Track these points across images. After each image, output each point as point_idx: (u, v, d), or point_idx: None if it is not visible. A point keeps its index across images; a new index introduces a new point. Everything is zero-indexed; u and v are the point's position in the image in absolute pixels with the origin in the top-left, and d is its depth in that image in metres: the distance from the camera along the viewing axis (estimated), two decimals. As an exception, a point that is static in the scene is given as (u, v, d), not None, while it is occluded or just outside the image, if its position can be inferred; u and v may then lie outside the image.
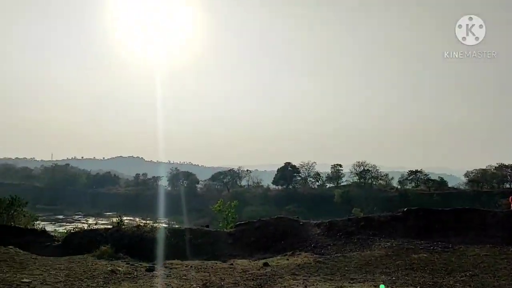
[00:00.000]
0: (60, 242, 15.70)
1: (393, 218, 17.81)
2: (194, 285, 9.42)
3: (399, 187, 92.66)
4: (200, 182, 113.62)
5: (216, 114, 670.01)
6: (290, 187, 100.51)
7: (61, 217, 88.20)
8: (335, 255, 13.98)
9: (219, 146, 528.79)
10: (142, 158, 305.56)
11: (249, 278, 10.53)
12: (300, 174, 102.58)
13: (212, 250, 15.51)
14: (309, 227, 17.81)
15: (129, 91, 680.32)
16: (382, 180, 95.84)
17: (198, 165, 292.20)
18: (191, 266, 12.06)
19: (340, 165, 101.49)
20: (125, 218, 25.06)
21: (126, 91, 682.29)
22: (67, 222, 72.29)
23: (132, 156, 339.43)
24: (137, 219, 48.88)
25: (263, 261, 13.15)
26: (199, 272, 11.24)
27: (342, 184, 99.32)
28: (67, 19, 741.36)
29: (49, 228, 31.57)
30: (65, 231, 19.27)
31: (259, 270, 11.64)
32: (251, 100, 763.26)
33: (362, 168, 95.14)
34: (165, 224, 23.85)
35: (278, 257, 14.09)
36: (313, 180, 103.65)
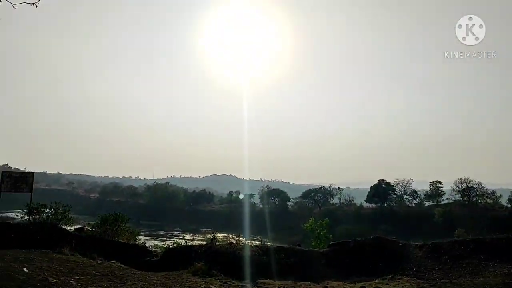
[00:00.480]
0: (158, 258, 16.37)
1: (508, 241, 15.77)
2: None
3: (509, 205, 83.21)
4: (291, 199, 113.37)
5: (305, 132, 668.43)
6: (385, 205, 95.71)
7: (161, 232, 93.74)
8: (442, 281, 12.65)
9: (309, 163, 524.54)
10: (234, 176, 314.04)
11: (345, 302, 9.88)
12: (395, 192, 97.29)
13: (304, 270, 15.01)
14: (409, 248, 16.50)
15: (220, 111, 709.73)
16: (489, 198, 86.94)
17: (289, 182, 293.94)
18: (284, 287, 11.71)
19: (440, 182, 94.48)
20: (219, 234, 25.66)
21: (217, 112, 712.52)
22: (166, 237, 76.51)
23: (225, 174, 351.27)
24: (230, 236, 49.97)
25: (360, 284, 12.35)
26: (292, 293, 10.84)
27: (442, 202, 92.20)
28: (159, 43, 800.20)
29: (150, 243, 33.47)
30: (165, 246, 20.21)
31: (355, 294, 10.92)
32: (340, 117, 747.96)
33: (465, 185, 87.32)
34: (257, 241, 23.98)
35: (376, 281, 13.14)
36: (410, 198, 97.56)
